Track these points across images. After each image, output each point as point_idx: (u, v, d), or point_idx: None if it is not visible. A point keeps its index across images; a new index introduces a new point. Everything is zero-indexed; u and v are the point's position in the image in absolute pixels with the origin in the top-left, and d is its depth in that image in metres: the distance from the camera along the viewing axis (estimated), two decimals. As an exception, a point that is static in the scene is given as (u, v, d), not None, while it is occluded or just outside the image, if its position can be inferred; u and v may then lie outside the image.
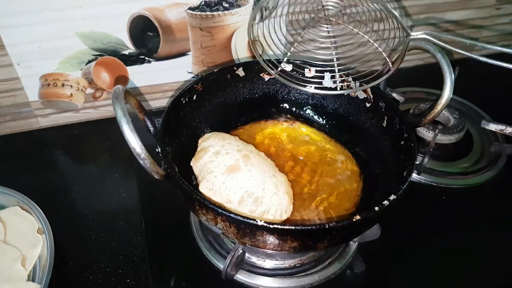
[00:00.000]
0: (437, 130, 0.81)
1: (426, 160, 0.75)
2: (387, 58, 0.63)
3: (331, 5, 0.68)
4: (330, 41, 0.67)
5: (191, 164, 0.61)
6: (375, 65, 0.64)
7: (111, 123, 0.89)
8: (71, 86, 0.82)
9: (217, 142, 0.63)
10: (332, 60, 0.65)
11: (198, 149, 0.63)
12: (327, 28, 0.67)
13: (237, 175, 0.58)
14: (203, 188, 0.58)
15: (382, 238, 0.61)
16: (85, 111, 0.87)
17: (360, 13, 0.66)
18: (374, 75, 0.62)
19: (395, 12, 0.61)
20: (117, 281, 0.62)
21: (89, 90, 0.84)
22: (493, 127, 0.82)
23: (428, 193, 0.76)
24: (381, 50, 0.64)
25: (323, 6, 0.67)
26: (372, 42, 0.65)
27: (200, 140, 0.65)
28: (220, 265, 0.62)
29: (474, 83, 0.96)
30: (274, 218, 0.57)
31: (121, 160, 0.82)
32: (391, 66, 0.62)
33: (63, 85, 0.81)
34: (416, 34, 0.60)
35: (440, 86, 0.60)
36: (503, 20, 1.05)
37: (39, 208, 0.65)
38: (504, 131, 0.81)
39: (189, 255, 0.66)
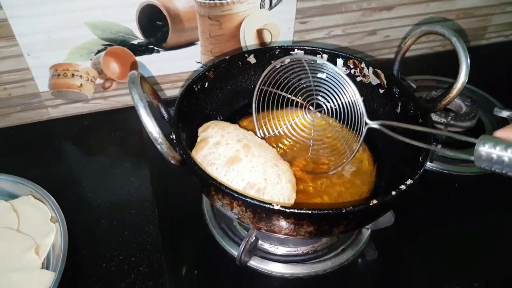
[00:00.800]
0: (450, 117, 0.80)
1: (438, 147, 0.74)
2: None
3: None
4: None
5: (192, 154, 0.60)
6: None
7: (121, 114, 0.89)
8: (80, 76, 0.82)
9: (216, 132, 0.62)
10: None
11: (198, 139, 0.63)
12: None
13: (238, 166, 0.57)
14: None
15: (394, 226, 0.60)
16: (95, 101, 0.87)
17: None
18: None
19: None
20: (130, 268, 0.62)
21: (99, 81, 0.84)
22: (505, 114, 0.82)
23: (440, 180, 0.76)
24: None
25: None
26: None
27: (199, 130, 0.64)
28: (234, 252, 0.62)
29: (485, 71, 0.95)
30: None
31: (132, 150, 0.82)
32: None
33: (73, 75, 0.81)
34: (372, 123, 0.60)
35: (451, 74, 0.59)
36: (514, 8, 1.04)
37: (51, 197, 0.65)
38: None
39: (202, 242, 0.66)
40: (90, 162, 0.80)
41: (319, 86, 0.66)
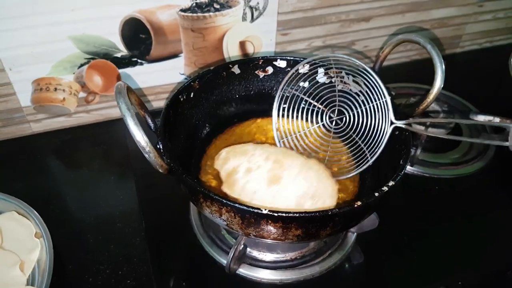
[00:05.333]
0: (428, 123, 0.83)
1: (418, 151, 0.77)
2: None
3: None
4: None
5: (225, 190, 0.60)
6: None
7: (104, 127, 0.89)
8: (63, 90, 0.82)
9: (239, 158, 0.61)
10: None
11: (223, 173, 0.61)
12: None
13: (281, 184, 0.57)
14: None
15: (379, 229, 0.62)
16: (78, 115, 0.86)
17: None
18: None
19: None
20: (117, 282, 0.62)
21: (82, 94, 0.84)
22: (481, 118, 0.85)
23: (421, 183, 0.78)
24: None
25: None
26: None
27: (217, 164, 0.63)
28: (223, 260, 0.62)
29: (460, 77, 0.99)
30: (331, 204, 0.58)
31: (116, 163, 0.82)
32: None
33: (55, 89, 0.81)
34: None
35: (428, 81, 0.62)
36: (486, 17, 1.09)
37: (36, 212, 0.65)
38: (492, 121, 0.84)
39: (190, 252, 0.66)
40: (74, 176, 0.80)
41: (342, 92, 0.68)
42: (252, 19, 0.85)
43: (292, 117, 0.70)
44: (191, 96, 0.67)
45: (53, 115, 0.85)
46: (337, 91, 0.68)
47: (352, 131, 0.68)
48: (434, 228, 0.70)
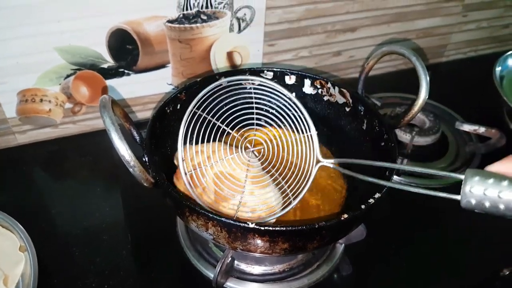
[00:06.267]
0: (414, 132, 0.84)
1: (405, 161, 0.77)
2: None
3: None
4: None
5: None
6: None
7: (91, 138, 0.88)
8: (49, 101, 0.81)
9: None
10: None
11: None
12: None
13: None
14: None
15: (367, 239, 0.62)
16: (64, 126, 0.85)
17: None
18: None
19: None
20: (103, 295, 0.61)
21: (68, 105, 0.83)
22: (467, 127, 0.86)
23: (408, 194, 0.78)
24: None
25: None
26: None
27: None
28: (210, 274, 0.62)
29: (446, 86, 1.00)
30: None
31: (103, 174, 0.81)
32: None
33: (41, 100, 0.80)
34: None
35: (414, 91, 0.62)
36: (470, 27, 1.11)
37: (20, 226, 0.64)
38: (477, 131, 0.85)
39: (177, 265, 0.65)
40: (60, 188, 0.79)
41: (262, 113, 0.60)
42: (240, 30, 0.86)
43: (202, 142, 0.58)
44: (178, 107, 0.67)
45: (39, 126, 0.84)
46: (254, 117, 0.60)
47: (271, 166, 0.60)
48: (421, 237, 0.71)
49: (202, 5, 0.80)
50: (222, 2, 0.81)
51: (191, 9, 0.80)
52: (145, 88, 0.87)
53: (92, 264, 0.65)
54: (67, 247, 0.67)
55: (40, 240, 0.63)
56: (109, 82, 0.83)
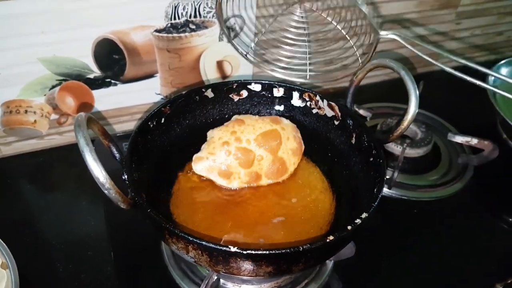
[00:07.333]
0: (405, 144, 0.82)
1: (396, 174, 0.76)
2: (359, 58, 0.62)
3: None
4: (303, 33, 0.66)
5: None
6: (347, 63, 0.64)
7: (77, 149, 0.84)
8: (34, 112, 0.79)
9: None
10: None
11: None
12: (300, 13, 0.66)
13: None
14: None
15: (356, 255, 0.61)
16: (50, 137, 0.84)
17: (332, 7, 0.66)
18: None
19: (364, 10, 0.61)
20: (87, 313, 0.60)
21: (54, 116, 0.82)
22: (459, 139, 0.84)
23: (399, 207, 0.77)
24: (352, 44, 0.64)
25: None
26: (345, 33, 0.65)
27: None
28: (195, 293, 0.60)
29: (439, 97, 0.99)
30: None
31: (88, 187, 0.79)
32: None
33: (26, 111, 0.78)
34: (386, 33, 0.61)
35: (406, 100, 0.61)
36: (464, 34, 1.09)
37: (1, 241, 0.62)
38: (470, 142, 0.83)
39: (162, 284, 0.63)
40: (45, 201, 0.77)
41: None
42: (230, 38, 0.84)
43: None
44: (162, 121, 0.65)
45: (24, 138, 0.82)
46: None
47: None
48: (412, 251, 0.70)
49: (191, 14, 0.79)
50: (210, 11, 0.80)
51: (179, 18, 0.78)
52: (133, 98, 0.85)
53: (77, 280, 0.64)
54: (51, 263, 0.66)
55: (23, 256, 0.62)
56: (95, 93, 0.82)
